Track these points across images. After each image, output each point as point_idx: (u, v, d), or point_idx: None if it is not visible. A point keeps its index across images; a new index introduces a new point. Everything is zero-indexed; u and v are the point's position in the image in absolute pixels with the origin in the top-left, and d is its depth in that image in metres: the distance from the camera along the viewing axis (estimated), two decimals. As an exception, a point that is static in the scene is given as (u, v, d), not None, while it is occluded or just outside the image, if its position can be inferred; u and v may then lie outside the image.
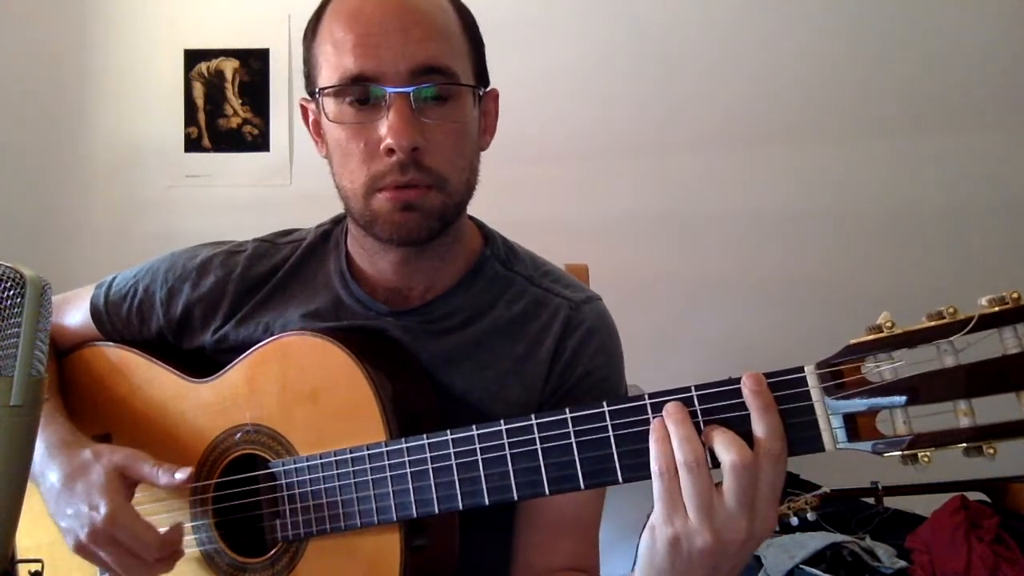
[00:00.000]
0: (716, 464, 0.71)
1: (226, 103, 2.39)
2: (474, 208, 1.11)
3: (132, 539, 0.91)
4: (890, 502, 1.81)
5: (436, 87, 0.90)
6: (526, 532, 1.01)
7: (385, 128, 0.89)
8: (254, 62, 2.37)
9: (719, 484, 0.71)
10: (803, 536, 1.67)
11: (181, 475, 0.95)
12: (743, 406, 0.71)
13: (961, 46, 2.23)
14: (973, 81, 2.22)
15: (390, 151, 0.89)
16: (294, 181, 2.35)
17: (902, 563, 1.61)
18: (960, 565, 1.55)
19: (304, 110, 1.02)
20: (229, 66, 2.38)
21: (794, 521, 1.65)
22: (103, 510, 0.90)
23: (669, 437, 0.72)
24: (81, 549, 0.93)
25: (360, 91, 0.91)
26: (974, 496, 1.75)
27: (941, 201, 2.19)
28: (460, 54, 0.94)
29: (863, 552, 1.63)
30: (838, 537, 1.66)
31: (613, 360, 1.05)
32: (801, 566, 1.60)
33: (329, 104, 0.93)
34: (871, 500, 1.83)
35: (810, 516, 1.66)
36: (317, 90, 0.95)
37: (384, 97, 0.89)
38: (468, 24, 0.98)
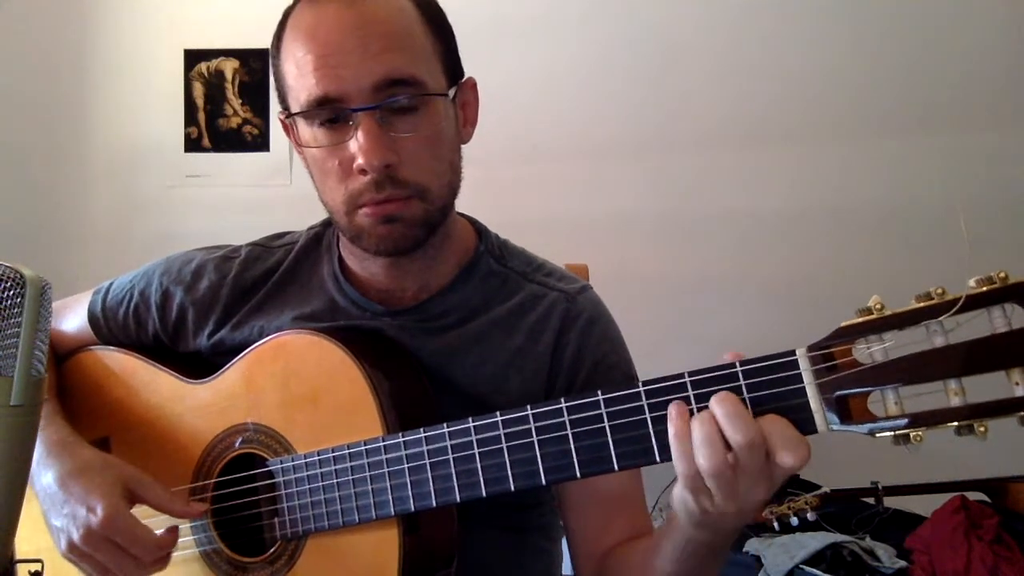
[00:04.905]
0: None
1: (226, 103, 2.39)
2: (474, 208, 1.11)
3: (130, 539, 0.90)
4: (890, 502, 1.81)
5: (402, 100, 0.88)
6: (578, 523, 1.02)
7: (355, 147, 0.88)
8: (254, 62, 2.37)
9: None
10: (803, 536, 1.67)
11: (196, 506, 0.96)
12: (737, 389, 0.71)
13: (961, 46, 2.23)
14: (973, 81, 2.22)
15: (363, 171, 0.88)
16: (294, 181, 2.35)
17: (902, 563, 1.61)
18: (960, 565, 1.55)
19: (284, 124, 1.00)
20: (229, 66, 2.39)
21: (794, 521, 1.65)
22: (100, 512, 0.89)
23: (688, 436, 0.71)
24: (73, 550, 0.91)
25: (327, 112, 0.89)
26: (974, 496, 1.75)
27: (940, 200, 2.19)
28: (425, 57, 0.91)
29: (863, 552, 1.63)
30: (838, 537, 1.66)
31: (617, 345, 1.05)
32: (801, 566, 1.60)
33: (301, 126, 0.93)
34: (871, 500, 1.83)
35: (810, 516, 1.66)
36: (287, 114, 0.94)
37: (352, 116, 0.88)
38: (433, 20, 0.94)
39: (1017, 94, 2.21)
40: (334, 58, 0.87)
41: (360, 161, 0.88)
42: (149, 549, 0.91)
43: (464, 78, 0.99)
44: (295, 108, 0.92)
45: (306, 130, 0.92)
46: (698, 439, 0.70)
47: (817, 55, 2.27)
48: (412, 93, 0.89)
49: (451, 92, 0.95)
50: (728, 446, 0.69)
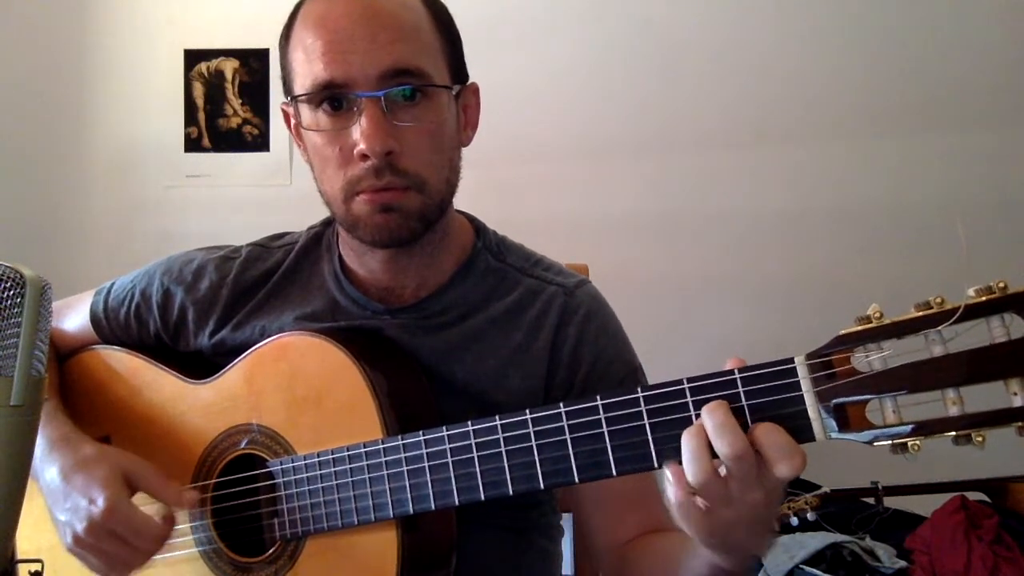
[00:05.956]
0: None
1: (226, 103, 2.39)
2: (474, 208, 1.11)
3: (130, 529, 0.91)
4: (890, 502, 1.81)
5: (407, 89, 0.90)
6: (594, 517, 1.03)
7: (358, 133, 0.89)
8: (254, 62, 2.37)
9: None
10: (803, 536, 1.67)
11: (189, 495, 0.97)
12: (736, 397, 0.71)
13: (961, 46, 2.23)
14: (973, 81, 2.22)
15: (364, 156, 0.89)
16: (294, 181, 2.35)
17: (902, 563, 1.61)
18: (960, 565, 1.55)
19: (286, 114, 1.02)
20: (229, 66, 2.39)
21: (794, 521, 1.65)
22: (101, 503, 0.90)
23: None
24: (78, 542, 0.93)
25: (332, 97, 0.91)
26: (974, 496, 1.75)
27: (941, 201, 2.19)
28: (431, 52, 0.93)
29: (863, 552, 1.63)
30: (838, 537, 1.66)
31: (617, 338, 1.06)
32: (801, 566, 1.60)
33: (304, 111, 0.94)
34: (871, 500, 1.83)
35: (810, 516, 1.65)
36: (292, 98, 0.95)
37: (356, 102, 0.89)
38: (440, 19, 0.96)
39: (1017, 94, 2.21)
40: (343, 44, 0.89)
41: (362, 146, 0.89)
42: (149, 538, 0.92)
43: (468, 82, 1.00)
44: (299, 92, 0.93)
45: (309, 115, 0.93)
46: (686, 455, 0.71)
47: (817, 55, 2.27)
48: (417, 83, 0.90)
49: (455, 89, 0.96)
50: (716, 455, 0.70)
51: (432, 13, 0.95)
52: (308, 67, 0.91)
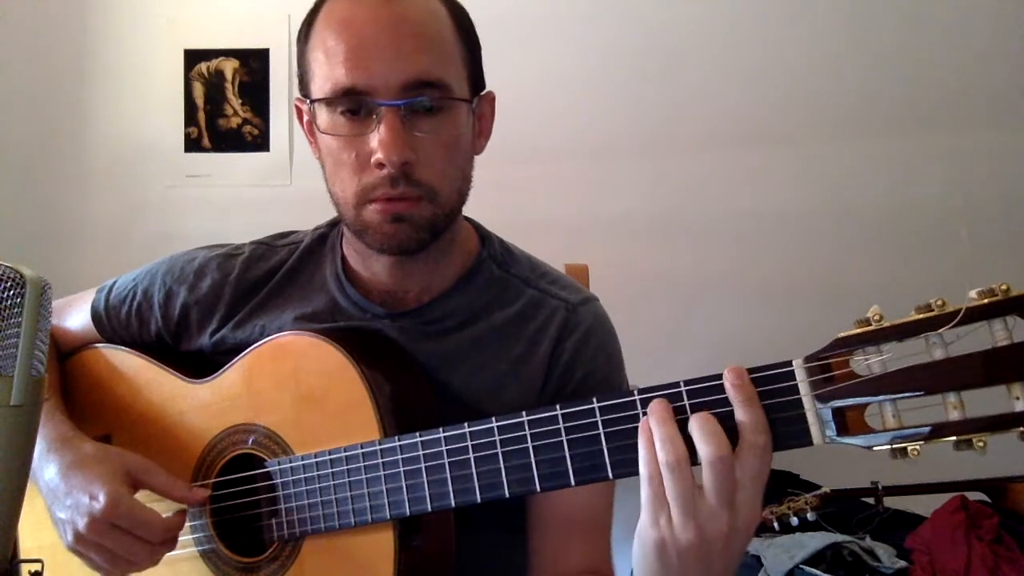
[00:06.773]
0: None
1: (226, 103, 2.39)
2: (474, 208, 1.10)
3: (135, 522, 0.91)
4: (890, 502, 1.81)
5: (428, 101, 0.89)
6: (537, 539, 1.01)
7: (376, 141, 0.88)
8: (254, 62, 2.37)
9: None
10: (803, 536, 1.67)
11: (199, 492, 0.97)
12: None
13: (962, 46, 2.23)
14: (974, 80, 2.22)
15: (380, 165, 0.89)
16: (294, 181, 2.35)
17: (902, 563, 1.61)
18: (960, 565, 1.55)
19: (299, 110, 1.01)
20: (229, 66, 2.39)
21: (794, 521, 1.65)
22: (103, 499, 0.90)
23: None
24: (80, 541, 0.92)
25: (351, 103, 0.90)
26: (974, 496, 1.75)
27: (941, 201, 2.19)
28: (454, 63, 0.93)
29: (863, 552, 1.63)
30: (838, 537, 1.66)
31: (612, 360, 1.05)
32: (801, 566, 1.60)
33: (321, 113, 0.93)
34: (871, 500, 1.83)
35: (810, 516, 1.66)
36: (310, 99, 0.94)
37: (375, 110, 0.89)
38: (463, 28, 0.96)
39: (1018, 94, 2.21)
40: (366, 51, 0.88)
41: (379, 156, 0.88)
42: (156, 531, 0.92)
43: (485, 90, 1.00)
44: (318, 95, 0.92)
45: (326, 117, 0.92)
46: (659, 438, 0.71)
47: (817, 56, 2.27)
48: (438, 96, 0.90)
49: (473, 103, 0.96)
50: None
51: (456, 21, 0.95)
52: (329, 70, 0.90)
